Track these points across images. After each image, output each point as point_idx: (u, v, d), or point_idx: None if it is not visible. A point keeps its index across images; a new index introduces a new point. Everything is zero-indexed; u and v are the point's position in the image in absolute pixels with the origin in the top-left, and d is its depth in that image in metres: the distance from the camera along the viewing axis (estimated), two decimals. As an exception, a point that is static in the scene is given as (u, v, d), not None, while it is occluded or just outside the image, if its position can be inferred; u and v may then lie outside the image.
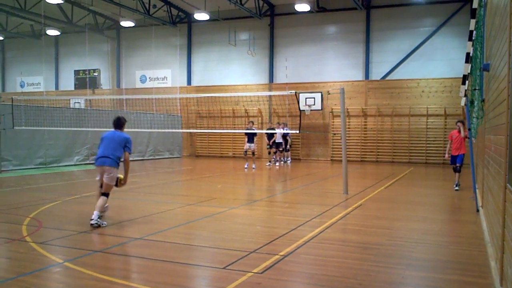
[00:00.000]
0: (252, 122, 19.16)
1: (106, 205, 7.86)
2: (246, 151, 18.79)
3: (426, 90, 22.90)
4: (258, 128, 25.46)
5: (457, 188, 12.12)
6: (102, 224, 7.50)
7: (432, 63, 22.81)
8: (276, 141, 20.83)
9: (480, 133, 9.35)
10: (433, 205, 10.31)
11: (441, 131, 22.25)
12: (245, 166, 18.84)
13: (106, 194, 7.75)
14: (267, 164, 20.90)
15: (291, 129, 22.53)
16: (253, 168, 18.64)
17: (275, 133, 20.14)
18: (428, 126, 22.70)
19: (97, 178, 7.90)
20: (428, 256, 6.02)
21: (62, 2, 22.89)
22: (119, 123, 8.25)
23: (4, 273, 5.16)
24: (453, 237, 7.15)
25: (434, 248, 6.48)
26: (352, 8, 23.70)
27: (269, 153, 21.24)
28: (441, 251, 6.30)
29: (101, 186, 7.81)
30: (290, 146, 22.67)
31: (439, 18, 22.68)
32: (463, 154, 12.08)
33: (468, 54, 7.42)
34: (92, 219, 7.36)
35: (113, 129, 8.23)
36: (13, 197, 10.88)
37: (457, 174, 12.18)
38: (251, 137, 18.48)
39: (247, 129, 18.70)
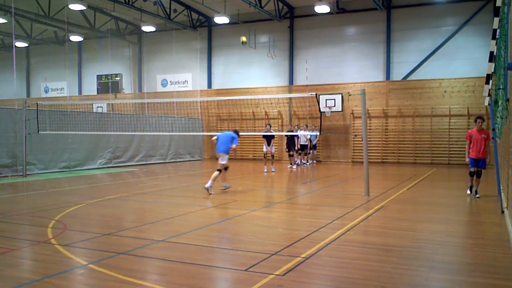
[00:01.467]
0: (270, 125, 19.07)
1: (228, 186, 12.49)
2: (265, 154, 18.84)
3: (448, 90, 22.57)
4: (279, 131, 25.47)
5: (470, 192, 11.25)
6: (210, 192, 11.49)
7: (454, 63, 22.48)
8: (301, 144, 20.73)
9: (504, 133, 9.17)
10: (457, 207, 10.15)
11: (464, 131, 21.76)
12: (265, 170, 18.54)
13: (219, 170, 12.05)
14: (288, 166, 20.86)
15: (312, 131, 22.46)
16: (272, 171, 18.48)
17: (297, 136, 20.03)
18: (451, 127, 22.37)
19: (219, 162, 12.18)
20: (452, 258, 5.94)
21: (85, 8, 23.26)
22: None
23: (30, 275, 5.28)
24: (478, 239, 7.02)
25: (458, 250, 6.39)
26: (372, 8, 23.53)
27: (289, 155, 21.18)
28: (465, 253, 6.21)
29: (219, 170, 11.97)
30: (312, 147, 22.57)
31: (461, 17, 22.34)
32: (485, 158, 10.90)
33: (491, 53, 7.33)
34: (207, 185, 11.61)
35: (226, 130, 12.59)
36: (39, 200, 11.12)
37: (476, 179, 11.00)
38: (269, 139, 18.44)
39: (265, 132, 18.70)
